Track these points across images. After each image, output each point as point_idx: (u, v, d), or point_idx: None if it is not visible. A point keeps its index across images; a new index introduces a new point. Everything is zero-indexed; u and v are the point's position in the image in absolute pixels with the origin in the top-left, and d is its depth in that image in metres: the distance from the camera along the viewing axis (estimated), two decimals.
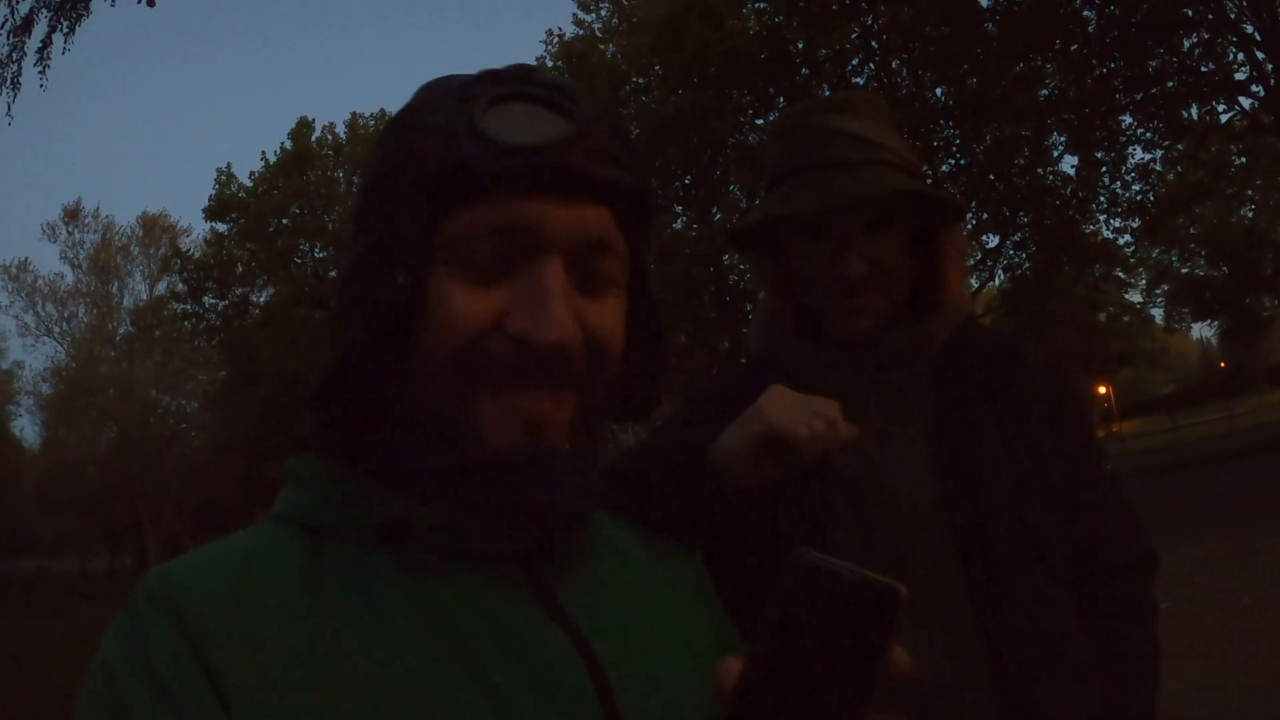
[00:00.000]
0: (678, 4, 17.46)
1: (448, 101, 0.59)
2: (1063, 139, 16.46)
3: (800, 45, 16.88)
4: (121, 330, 37.87)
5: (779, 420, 0.87)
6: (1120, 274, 24.14)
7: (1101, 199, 17.64)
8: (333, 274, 29.89)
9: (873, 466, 1.10)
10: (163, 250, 36.43)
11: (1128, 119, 16.04)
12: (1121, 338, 34.04)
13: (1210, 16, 13.97)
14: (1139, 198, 17.52)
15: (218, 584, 0.54)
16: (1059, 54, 14.85)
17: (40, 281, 37.66)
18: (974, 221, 17.78)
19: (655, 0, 18.32)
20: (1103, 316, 29.77)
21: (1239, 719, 3.95)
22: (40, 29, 10.19)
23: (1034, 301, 18.02)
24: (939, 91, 16.77)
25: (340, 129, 30.47)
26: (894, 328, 1.14)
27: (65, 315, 37.37)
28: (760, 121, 18.02)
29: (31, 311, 36.87)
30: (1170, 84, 14.94)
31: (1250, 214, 28.61)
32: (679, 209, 19.92)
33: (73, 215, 36.93)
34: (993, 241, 18.46)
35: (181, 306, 31.32)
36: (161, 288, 36.01)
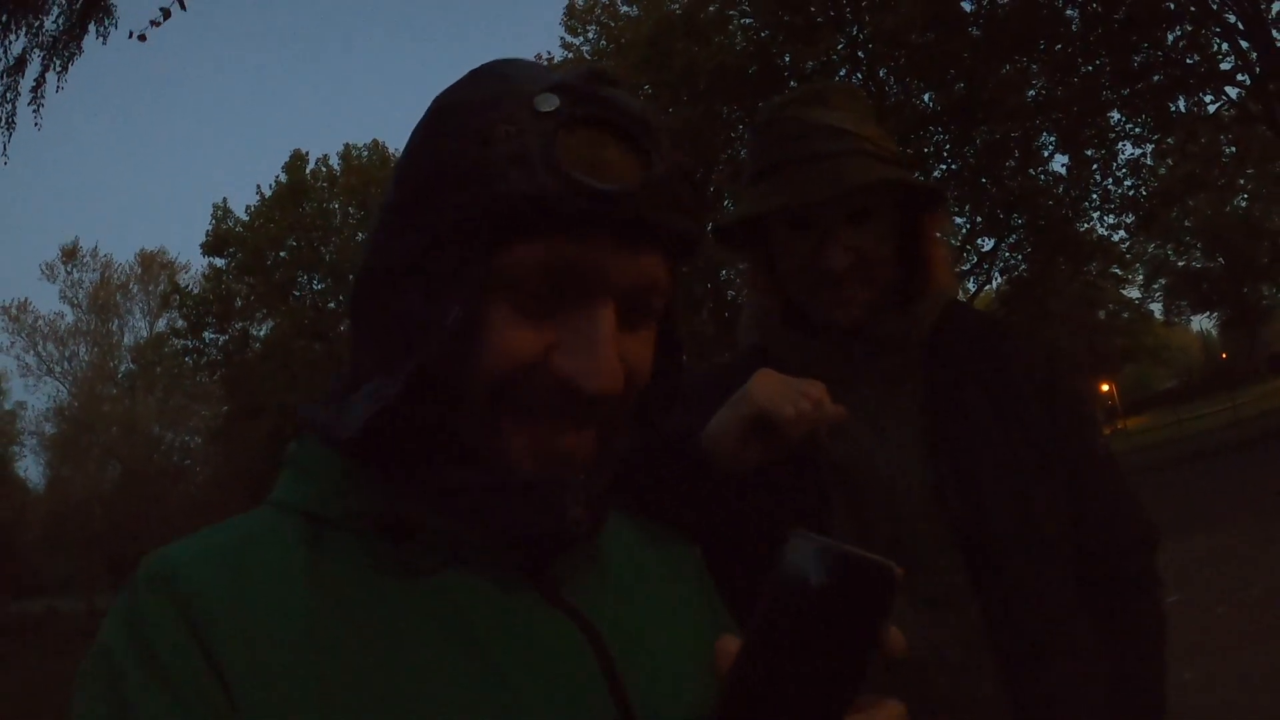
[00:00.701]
0: (664, 23, 17.59)
1: (520, 111, 0.54)
2: (1052, 139, 16.49)
3: (787, 59, 16.97)
4: (123, 368, 37.92)
5: (766, 400, 0.88)
6: (1117, 270, 24.18)
7: (1094, 196, 17.66)
8: (331, 305, 29.97)
9: (867, 453, 1.10)
10: (162, 287, 36.58)
11: (1116, 115, 16.09)
12: (1123, 335, 34.04)
13: (1193, 8, 14.05)
14: (1131, 193, 17.51)
15: (217, 567, 0.54)
16: (1044, 54, 14.93)
17: (40, 321, 37.83)
18: (968, 226, 17.84)
19: (641, 20, 18.45)
20: (1102, 314, 29.78)
21: (1250, 713, 3.92)
22: (33, 68, 10.25)
23: (1033, 302, 18.00)
24: (927, 98, 16.87)
25: (334, 160, 30.72)
26: (882, 315, 1.14)
27: (66, 354, 37.43)
28: None
29: (32, 352, 36.93)
30: (1156, 78, 14.99)
31: (1244, 204, 28.66)
32: None
33: (70, 254, 37.02)
34: (988, 245, 18.52)
35: (182, 342, 31.49)
36: (161, 324, 36.11)
